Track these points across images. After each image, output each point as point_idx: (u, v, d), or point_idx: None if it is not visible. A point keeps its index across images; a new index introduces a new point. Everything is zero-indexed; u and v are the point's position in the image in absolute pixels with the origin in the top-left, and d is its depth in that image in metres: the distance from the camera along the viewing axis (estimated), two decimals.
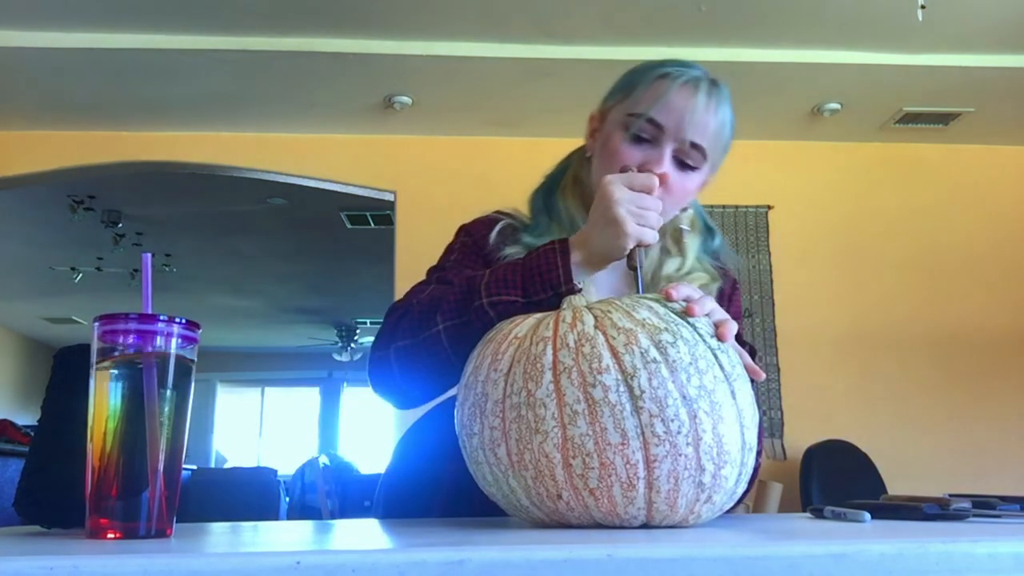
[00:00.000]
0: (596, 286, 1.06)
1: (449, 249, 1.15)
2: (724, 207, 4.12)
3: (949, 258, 4.20)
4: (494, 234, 1.11)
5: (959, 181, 4.31)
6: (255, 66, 3.51)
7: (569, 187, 1.15)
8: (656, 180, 0.94)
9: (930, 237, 4.22)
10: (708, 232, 1.18)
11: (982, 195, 4.29)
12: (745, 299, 4.03)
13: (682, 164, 1.03)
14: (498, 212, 1.19)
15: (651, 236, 0.91)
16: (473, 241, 1.13)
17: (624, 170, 0.98)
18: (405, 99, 3.81)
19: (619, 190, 0.90)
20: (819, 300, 4.10)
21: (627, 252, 0.91)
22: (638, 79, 1.05)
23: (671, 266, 1.11)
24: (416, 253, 3.97)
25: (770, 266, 4.09)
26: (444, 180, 4.15)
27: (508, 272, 0.93)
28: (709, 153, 1.03)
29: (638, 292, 0.91)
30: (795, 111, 3.97)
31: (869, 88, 3.73)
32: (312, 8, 3.18)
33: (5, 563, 0.44)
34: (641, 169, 1.00)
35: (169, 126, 4.06)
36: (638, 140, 1.02)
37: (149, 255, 0.75)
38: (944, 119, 4.03)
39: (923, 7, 2.91)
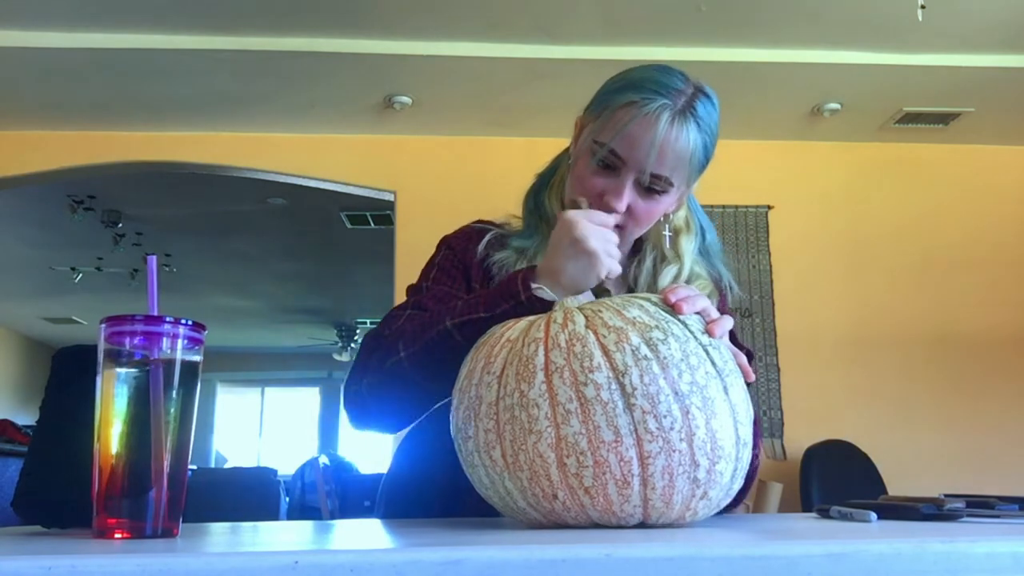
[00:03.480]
0: None
1: (430, 264, 1.17)
2: (724, 207, 4.12)
3: (949, 258, 4.20)
4: (482, 246, 1.13)
5: (959, 181, 4.30)
6: (255, 66, 3.51)
7: (556, 187, 1.16)
8: (612, 219, 0.99)
9: (930, 237, 4.22)
10: (701, 232, 1.18)
11: (982, 195, 4.29)
12: (745, 299, 4.03)
13: (648, 189, 1.04)
14: (480, 222, 1.20)
15: (618, 267, 0.96)
16: (454, 255, 1.15)
17: (579, 204, 1.04)
18: (405, 99, 3.81)
19: (587, 226, 0.93)
20: (819, 300, 4.10)
21: (598, 283, 0.95)
22: (608, 101, 1.05)
23: (669, 274, 1.12)
24: (416, 253, 3.94)
25: (770, 266, 4.09)
26: (444, 180, 4.15)
27: (474, 298, 0.97)
28: (674, 179, 1.03)
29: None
30: (795, 111, 3.97)
31: (869, 88, 3.73)
32: (312, 8, 3.18)
33: (5, 563, 0.44)
34: (600, 199, 1.03)
35: (169, 126, 4.06)
36: (603, 166, 1.04)
37: (154, 257, 0.76)
38: (944, 119, 4.03)
39: (923, 7, 2.90)
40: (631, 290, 1.14)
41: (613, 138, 1.01)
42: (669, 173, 1.02)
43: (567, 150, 1.18)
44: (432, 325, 0.96)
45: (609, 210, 1.02)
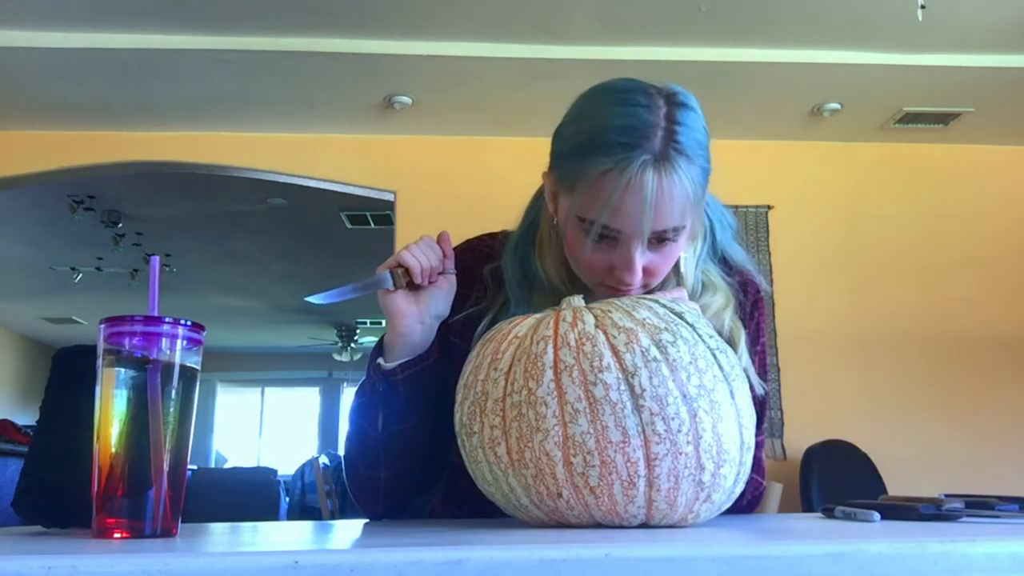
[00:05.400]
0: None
1: None
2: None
3: (949, 258, 4.20)
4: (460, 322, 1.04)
5: (959, 181, 4.30)
6: (255, 66, 3.51)
7: (547, 246, 1.03)
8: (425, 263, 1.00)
9: (930, 237, 4.22)
10: (710, 233, 1.06)
11: (982, 195, 4.29)
12: None
13: (660, 241, 0.92)
14: (471, 246, 1.12)
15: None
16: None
17: (583, 270, 0.98)
18: (405, 99, 3.81)
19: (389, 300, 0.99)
20: (819, 300, 4.10)
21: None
22: (578, 172, 0.90)
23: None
24: None
25: (770, 266, 4.09)
26: (444, 180, 4.15)
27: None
28: (685, 221, 0.92)
29: None
30: (795, 111, 3.97)
31: (869, 88, 3.73)
32: (312, 8, 3.18)
33: (5, 563, 0.44)
34: (611, 273, 0.94)
35: (169, 126, 4.06)
36: (600, 239, 0.92)
37: (157, 258, 0.76)
38: (944, 119, 4.03)
39: (923, 7, 2.90)
40: None
41: (602, 214, 0.89)
42: (674, 223, 0.90)
43: (539, 196, 1.07)
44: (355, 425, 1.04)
45: (624, 283, 0.93)
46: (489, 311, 1.04)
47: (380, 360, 1.00)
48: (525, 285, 1.04)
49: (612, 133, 0.89)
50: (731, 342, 0.99)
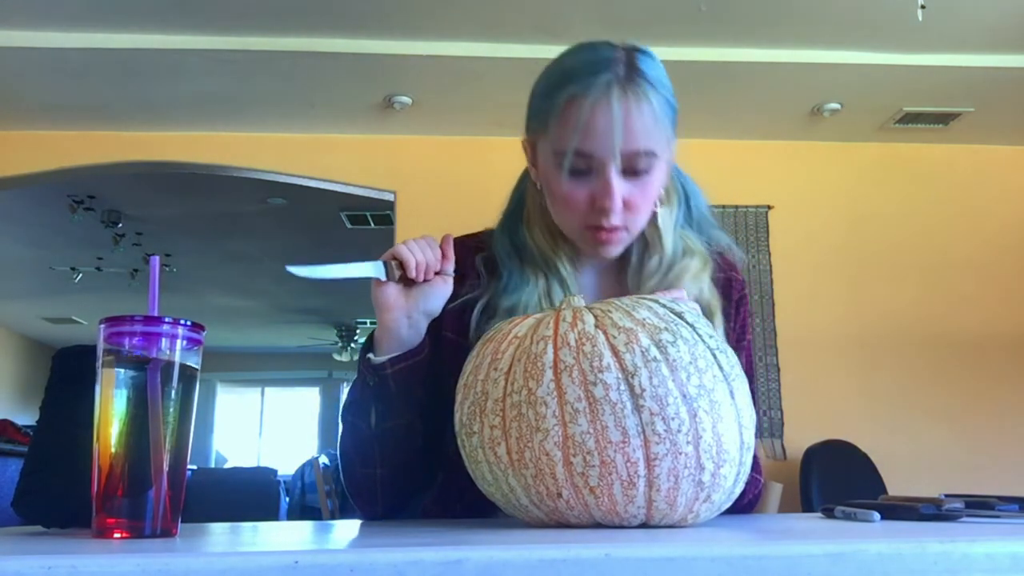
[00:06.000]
0: (582, 288, 1.08)
1: None
2: (724, 207, 4.12)
3: (949, 258, 4.20)
4: (456, 308, 1.05)
5: (959, 181, 4.31)
6: (255, 66, 3.51)
7: (535, 219, 1.06)
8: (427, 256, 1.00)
9: (930, 237, 4.22)
10: (684, 200, 1.08)
11: (982, 195, 4.29)
12: None
13: (634, 172, 0.95)
14: (468, 237, 1.12)
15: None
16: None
17: (572, 227, 1.00)
18: (405, 99, 3.81)
19: (381, 293, 0.99)
20: (819, 300, 4.10)
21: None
22: (548, 108, 0.97)
23: (652, 264, 1.03)
24: None
25: (770, 266, 4.09)
26: (444, 180, 4.15)
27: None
28: (654, 147, 0.95)
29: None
30: (795, 111, 3.97)
31: (869, 88, 3.73)
32: (312, 8, 3.18)
33: (5, 563, 0.44)
34: (592, 206, 0.96)
35: (169, 126, 4.06)
36: (577, 173, 0.95)
37: (157, 258, 0.76)
38: (944, 119, 4.03)
39: (923, 7, 2.90)
40: (624, 287, 1.07)
41: (573, 139, 0.93)
42: (645, 145, 0.93)
43: (524, 176, 1.11)
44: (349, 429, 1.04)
45: (605, 213, 0.95)
46: (482, 297, 1.04)
47: (370, 355, 1.00)
48: (516, 257, 1.06)
49: (576, 66, 0.96)
50: (709, 308, 1.02)
